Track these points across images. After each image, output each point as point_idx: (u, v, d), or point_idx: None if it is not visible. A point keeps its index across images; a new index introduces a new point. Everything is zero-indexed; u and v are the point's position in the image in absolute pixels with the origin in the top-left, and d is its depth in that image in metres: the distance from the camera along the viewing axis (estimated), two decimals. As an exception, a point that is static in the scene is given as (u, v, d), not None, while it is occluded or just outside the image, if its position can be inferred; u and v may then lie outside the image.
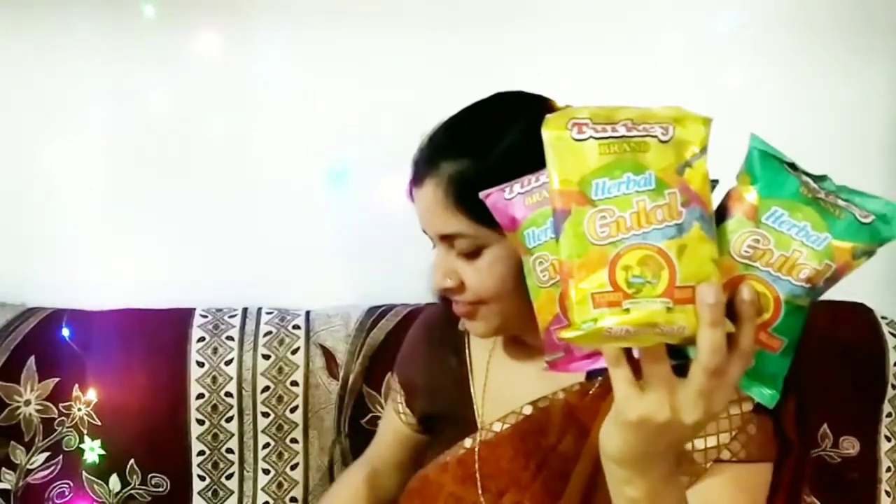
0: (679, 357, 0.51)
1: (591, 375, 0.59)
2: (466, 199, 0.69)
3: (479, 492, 0.79)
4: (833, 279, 0.50)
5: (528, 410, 0.79)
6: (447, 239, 0.74)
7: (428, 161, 0.74)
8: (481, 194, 0.60)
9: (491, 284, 0.72)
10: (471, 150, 0.71)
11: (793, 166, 0.51)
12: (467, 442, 0.82)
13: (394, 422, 0.96)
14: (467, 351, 0.89)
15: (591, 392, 0.76)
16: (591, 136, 0.50)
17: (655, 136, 0.50)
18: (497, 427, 0.80)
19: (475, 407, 0.85)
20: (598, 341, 0.49)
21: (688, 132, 0.50)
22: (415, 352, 0.95)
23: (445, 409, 0.88)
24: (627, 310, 0.47)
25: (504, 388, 0.83)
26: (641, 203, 0.49)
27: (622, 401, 0.52)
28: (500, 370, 0.85)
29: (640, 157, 0.50)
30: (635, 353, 0.51)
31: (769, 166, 0.51)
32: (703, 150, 0.50)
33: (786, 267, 0.49)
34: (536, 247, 0.56)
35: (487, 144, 0.71)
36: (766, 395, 0.52)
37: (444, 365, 0.89)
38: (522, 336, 0.82)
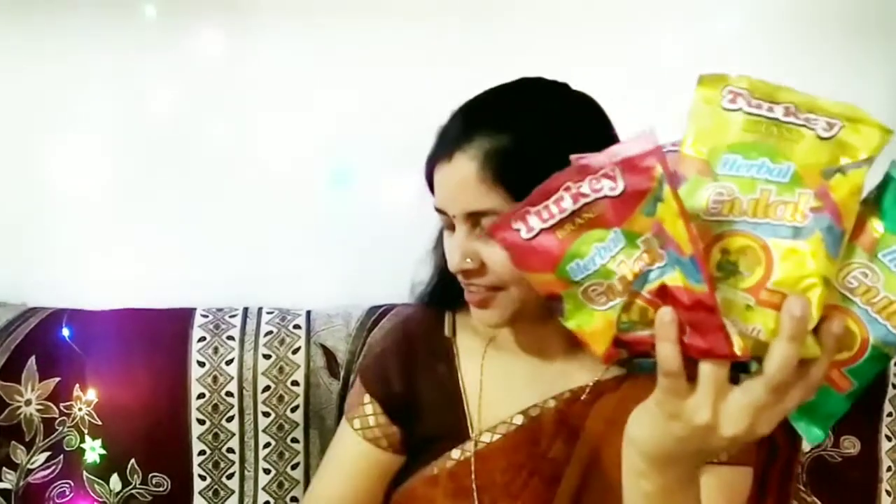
0: (740, 370, 0.47)
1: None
2: (505, 174, 0.66)
3: None
4: None
5: (518, 420, 0.77)
6: (473, 217, 0.69)
7: (461, 134, 0.69)
8: (492, 230, 0.52)
9: None
10: (510, 125, 0.68)
11: None
12: (455, 453, 0.79)
13: (357, 446, 0.84)
14: (457, 360, 0.84)
15: (581, 398, 0.76)
16: (741, 109, 0.46)
17: (814, 130, 0.45)
18: (487, 438, 0.78)
19: (468, 419, 0.81)
20: None
21: (857, 136, 0.45)
22: (395, 360, 0.86)
23: (433, 422, 0.83)
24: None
25: (498, 396, 0.81)
26: (766, 192, 0.44)
27: (666, 391, 0.48)
28: (493, 379, 0.82)
29: (786, 146, 0.45)
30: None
31: None
32: (869, 160, 0.45)
33: (887, 311, 0.45)
34: (586, 277, 0.49)
35: (527, 121, 0.69)
36: (813, 433, 0.48)
37: (431, 375, 0.84)
38: (525, 331, 0.80)
